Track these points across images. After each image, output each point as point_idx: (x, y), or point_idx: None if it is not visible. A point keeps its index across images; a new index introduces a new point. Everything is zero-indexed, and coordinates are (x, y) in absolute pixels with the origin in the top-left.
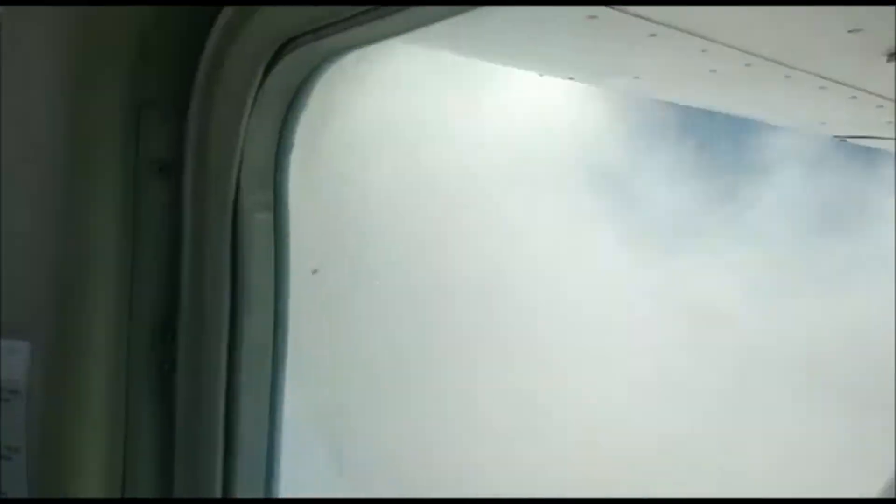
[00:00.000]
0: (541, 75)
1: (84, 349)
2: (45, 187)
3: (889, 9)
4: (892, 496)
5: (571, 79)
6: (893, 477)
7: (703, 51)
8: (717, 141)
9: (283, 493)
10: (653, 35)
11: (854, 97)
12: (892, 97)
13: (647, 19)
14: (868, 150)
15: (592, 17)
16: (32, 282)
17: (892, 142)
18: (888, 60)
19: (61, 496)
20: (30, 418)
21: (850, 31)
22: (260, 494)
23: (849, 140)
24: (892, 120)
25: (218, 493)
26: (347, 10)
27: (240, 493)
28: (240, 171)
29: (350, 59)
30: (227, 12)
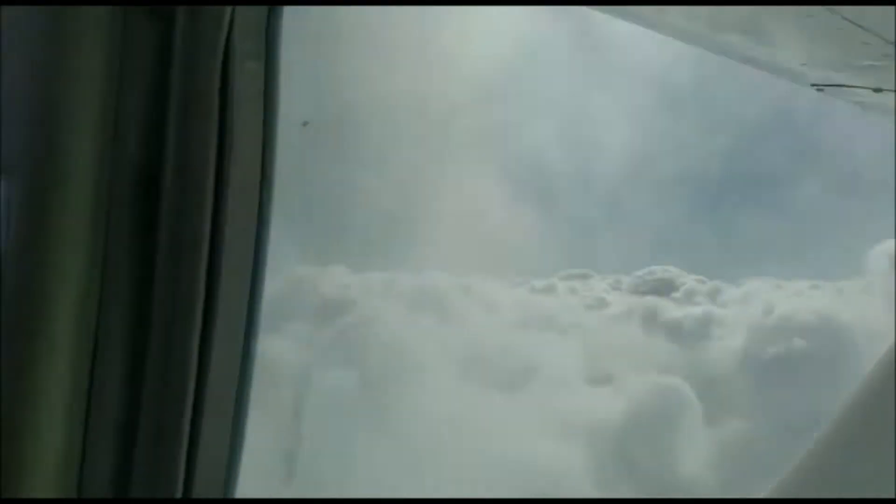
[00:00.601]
0: None
1: (64, 194)
2: (32, 27)
3: None
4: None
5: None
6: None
7: None
8: None
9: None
10: None
11: (841, 28)
12: (878, 33)
13: None
14: None
15: None
16: (15, 123)
17: (870, 91)
18: None
19: (29, 347)
20: (4, 265)
21: None
22: (238, 351)
23: (826, 90)
24: (874, 62)
25: (195, 348)
26: None
27: (216, 353)
28: (233, 15)
29: None
30: None
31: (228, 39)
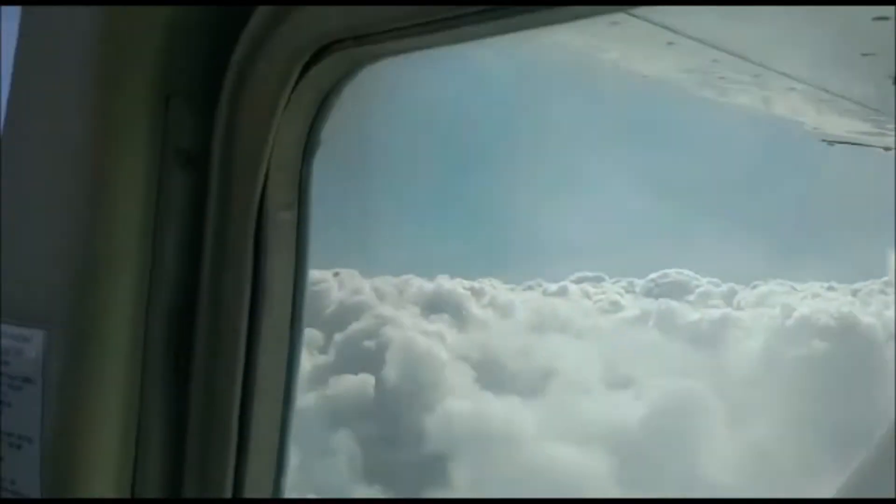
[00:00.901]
0: None
1: (100, 340)
2: (71, 176)
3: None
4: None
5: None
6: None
7: (713, 61)
8: None
9: None
10: (670, 44)
11: (851, 110)
12: (880, 108)
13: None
14: None
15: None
16: (51, 270)
17: (881, 150)
18: (894, 83)
19: (72, 490)
20: (45, 408)
21: (863, 55)
22: None
23: (836, 144)
24: (884, 131)
25: (228, 493)
26: (406, 17)
27: None
28: (268, 168)
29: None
30: (263, 11)
31: (263, 192)
